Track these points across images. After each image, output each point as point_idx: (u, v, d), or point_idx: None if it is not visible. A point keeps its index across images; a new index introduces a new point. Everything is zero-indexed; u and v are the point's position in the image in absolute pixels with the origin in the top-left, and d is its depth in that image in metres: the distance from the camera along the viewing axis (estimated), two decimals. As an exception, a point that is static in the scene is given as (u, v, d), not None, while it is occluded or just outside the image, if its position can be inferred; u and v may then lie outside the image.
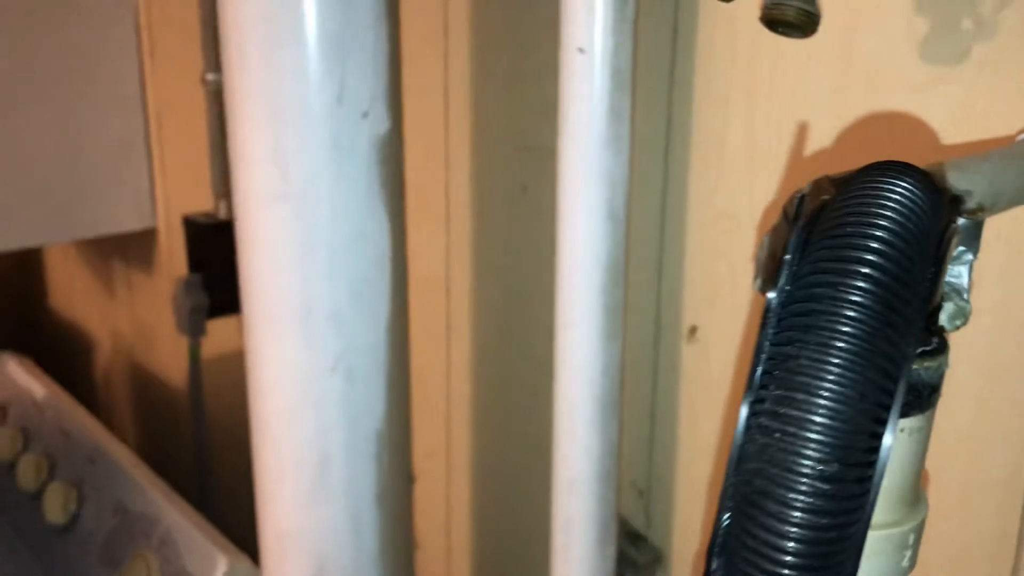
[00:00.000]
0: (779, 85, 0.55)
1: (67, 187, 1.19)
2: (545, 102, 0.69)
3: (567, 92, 0.56)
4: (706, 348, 0.63)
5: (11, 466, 1.14)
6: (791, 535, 0.28)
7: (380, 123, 0.58)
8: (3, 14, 1.10)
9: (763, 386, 0.29)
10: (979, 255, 0.31)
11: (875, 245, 0.28)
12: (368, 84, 0.57)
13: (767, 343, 0.29)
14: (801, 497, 0.28)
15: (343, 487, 0.63)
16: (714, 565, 0.30)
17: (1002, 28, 0.45)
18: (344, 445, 0.62)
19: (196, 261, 1.08)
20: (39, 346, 1.40)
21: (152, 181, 1.24)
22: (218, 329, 1.15)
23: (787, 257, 0.29)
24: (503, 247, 0.76)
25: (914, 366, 0.31)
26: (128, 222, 1.24)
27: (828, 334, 0.28)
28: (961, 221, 0.31)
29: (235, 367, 1.18)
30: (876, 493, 0.28)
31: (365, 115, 0.57)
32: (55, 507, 1.04)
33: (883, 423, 0.28)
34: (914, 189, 0.29)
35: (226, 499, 1.21)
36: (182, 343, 1.26)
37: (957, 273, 0.31)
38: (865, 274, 0.28)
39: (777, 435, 0.28)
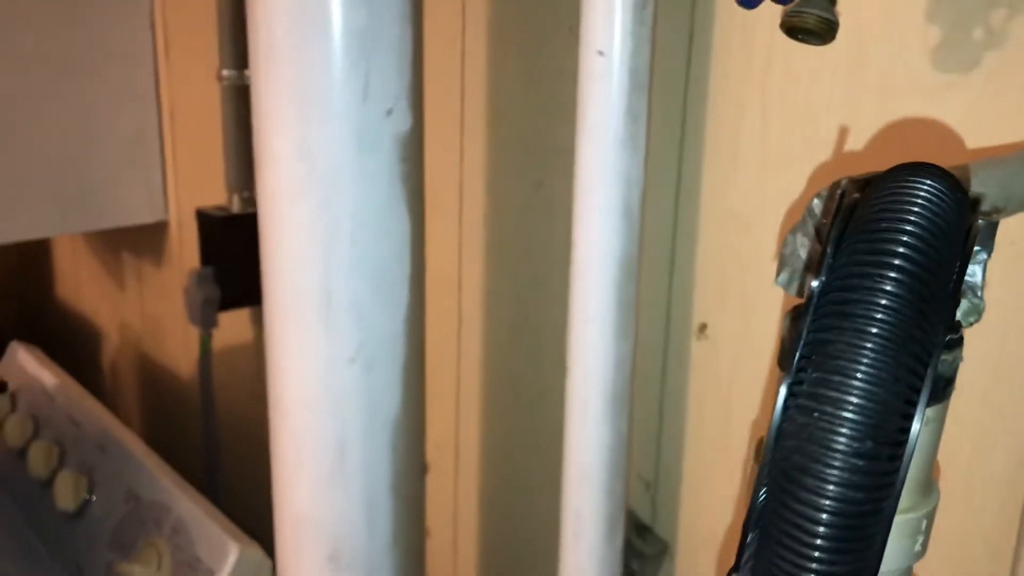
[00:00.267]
0: (792, 90, 0.57)
1: (80, 179, 1.20)
2: (560, 102, 0.70)
3: (586, 93, 0.58)
4: (715, 345, 0.65)
5: (21, 453, 1.15)
6: (826, 508, 0.30)
7: (403, 121, 0.60)
8: (18, 6, 1.12)
9: (801, 369, 0.31)
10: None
11: (907, 239, 0.30)
12: (392, 82, 0.59)
13: (806, 330, 0.31)
14: (837, 472, 0.30)
15: (359, 475, 0.64)
16: (749, 539, 0.32)
17: (1012, 37, 0.47)
18: (361, 434, 0.64)
19: (208, 254, 1.09)
20: (46, 337, 1.41)
21: (164, 175, 1.26)
22: (226, 322, 1.16)
23: (827, 250, 0.31)
24: (516, 243, 0.78)
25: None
26: (140, 215, 1.25)
27: (864, 321, 0.30)
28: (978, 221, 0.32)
29: (243, 360, 1.20)
30: (906, 471, 0.30)
31: (389, 112, 0.59)
32: (66, 494, 1.05)
33: (914, 405, 0.30)
34: (942, 188, 0.31)
35: (233, 491, 1.22)
36: (191, 336, 1.28)
37: (972, 272, 0.33)
38: (898, 266, 0.30)
39: (815, 415, 0.30)
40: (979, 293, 0.33)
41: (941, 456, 0.39)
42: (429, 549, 0.90)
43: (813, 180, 0.53)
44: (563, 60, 0.69)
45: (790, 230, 0.33)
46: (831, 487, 0.30)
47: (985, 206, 0.33)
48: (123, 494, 1.01)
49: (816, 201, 0.34)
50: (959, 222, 0.32)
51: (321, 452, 0.63)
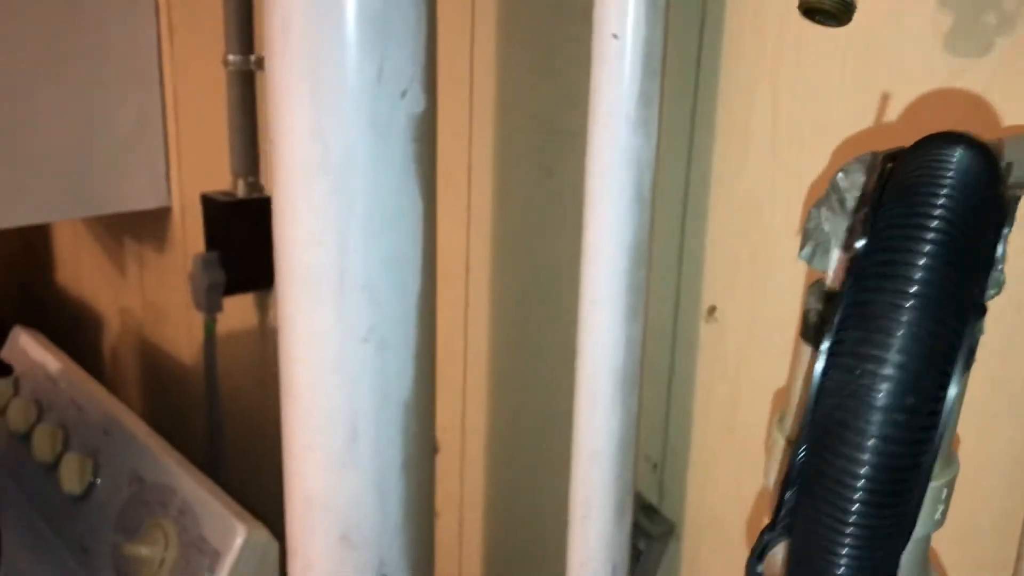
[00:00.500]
0: (804, 75, 0.57)
1: (83, 164, 1.20)
2: (570, 85, 0.71)
3: (599, 76, 0.58)
4: (724, 328, 0.66)
5: (26, 437, 1.15)
6: (866, 461, 0.30)
7: (417, 102, 0.60)
8: (23, -9, 1.12)
9: (842, 329, 0.32)
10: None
11: (944, 202, 0.31)
12: (407, 64, 0.59)
13: (848, 292, 0.32)
14: (877, 427, 0.30)
15: (371, 455, 0.65)
16: (787, 496, 0.32)
17: (1024, 22, 0.47)
18: (373, 414, 0.64)
19: (213, 239, 1.10)
20: (45, 323, 1.41)
21: (167, 160, 1.26)
22: (229, 308, 1.16)
23: (870, 213, 0.32)
24: (524, 228, 0.78)
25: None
26: (143, 200, 1.25)
27: (904, 281, 0.31)
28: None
29: (246, 346, 1.20)
30: (944, 427, 0.30)
31: (404, 94, 0.59)
32: (71, 477, 1.05)
33: (952, 362, 0.31)
34: (976, 155, 0.31)
35: (236, 477, 1.23)
36: (193, 322, 1.28)
37: (993, 245, 0.33)
38: (936, 228, 0.31)
39: (857, 372, 0.31)
40: (1000, 267, 0.33)
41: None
42: (436, 530, 0.91)
43: (837, 155, 0.53)
44: (574, 43, 0.70)
45: (814, 204, 0.34)
46: (872, 441, 0.30)
47: (1011, 179, 0.33)
48: (128, 476, 1.02)
49: (841, 175, 0.34)
50: (992, 189, 0.32)
51: (334, 432, 0.64)
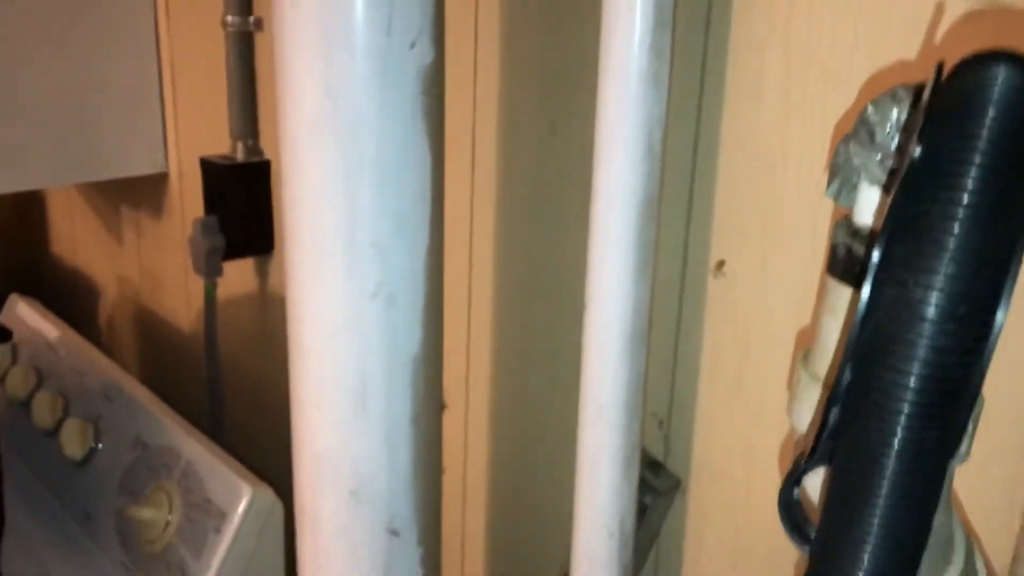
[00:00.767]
0: (816, 29, 0.57)
1: (79, 129, 1.19)
2: (577, 39, 0.70)
3: (609, 28, 0.58)
4: (732, 282, 0.66)
5: (26, 404, 1.15)
6: (915, 371, 0.30)
7: (426, 54, 0.60)
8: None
9: (891, 243, 0.32)
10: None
11: (993, 115, 0.31)
12: (416, 14, 0.58)
13: (896, 205, 0.32)
14: (928, 337, 0.30)
15: (380, 411, 0.65)
16: (831, 416, 0.32)
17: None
18: (382, 370, 0.64)
19: (213, 203, 1.09)
20: (42, 293, 1.40)
21: (164, 125, 1.25)
22: (228, 273, 1.16)
23: (924, 122, 0.32)
24: (529, 185, 0.78)
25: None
26: (140, 166, 1.24)
27: (957, 192, 0.31)
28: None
29: (245, 311, 1.20)
30: (995, 340, 0.30)
31: (412, 45, 0.59)
32: (72, 443, 1.05)
33: (1005, 272, 0.30)
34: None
35: (236, 441, 1.23)
36: (191, 289, 1.27)
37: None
38: (989, 139, 0.30)
39: (910, 283, 0.31)
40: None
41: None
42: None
43: (864, 91, 0.53)
44: None
45: (842, 140, 0.34)
46: (922, 352, 0.30)
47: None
48: (131, 441, 1.02)
49: (871, 108, 0.34)
50: None
51: (343, 389, 0.64)
